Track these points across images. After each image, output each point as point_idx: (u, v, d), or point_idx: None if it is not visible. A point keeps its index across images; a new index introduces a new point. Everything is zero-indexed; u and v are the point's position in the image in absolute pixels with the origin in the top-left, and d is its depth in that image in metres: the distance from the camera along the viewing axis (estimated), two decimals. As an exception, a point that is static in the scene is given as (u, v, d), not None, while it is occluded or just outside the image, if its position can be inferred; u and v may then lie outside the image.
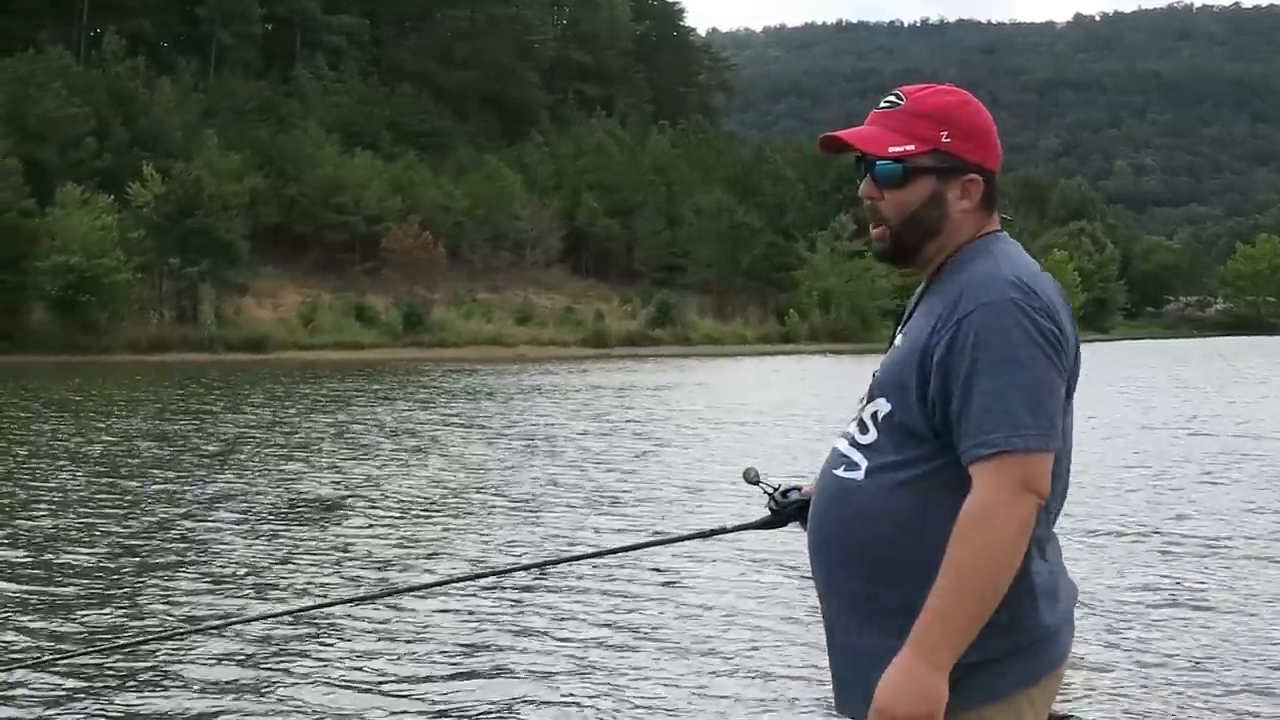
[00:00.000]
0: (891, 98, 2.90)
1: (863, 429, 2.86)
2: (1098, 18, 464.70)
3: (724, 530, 3.33)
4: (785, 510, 3.14)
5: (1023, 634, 2.76)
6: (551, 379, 49.63)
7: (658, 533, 12.99)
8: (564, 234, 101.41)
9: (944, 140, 2.83)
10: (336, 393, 40.04)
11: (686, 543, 9.06)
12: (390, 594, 10.27)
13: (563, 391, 41.19)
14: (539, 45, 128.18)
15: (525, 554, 12.36)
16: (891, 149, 2.83)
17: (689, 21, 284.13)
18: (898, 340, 2.91)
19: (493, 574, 10.39)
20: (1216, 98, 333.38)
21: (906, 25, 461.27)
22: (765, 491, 3.16)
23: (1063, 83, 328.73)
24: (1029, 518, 2.65)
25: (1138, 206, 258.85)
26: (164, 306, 78.42)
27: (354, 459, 21.01)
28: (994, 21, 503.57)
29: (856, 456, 2.85)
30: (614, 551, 6.45)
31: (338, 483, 18.04)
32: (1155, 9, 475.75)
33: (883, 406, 2.83)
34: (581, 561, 10.60)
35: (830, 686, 2.99)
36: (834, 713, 3.13)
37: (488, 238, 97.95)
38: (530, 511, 15.12)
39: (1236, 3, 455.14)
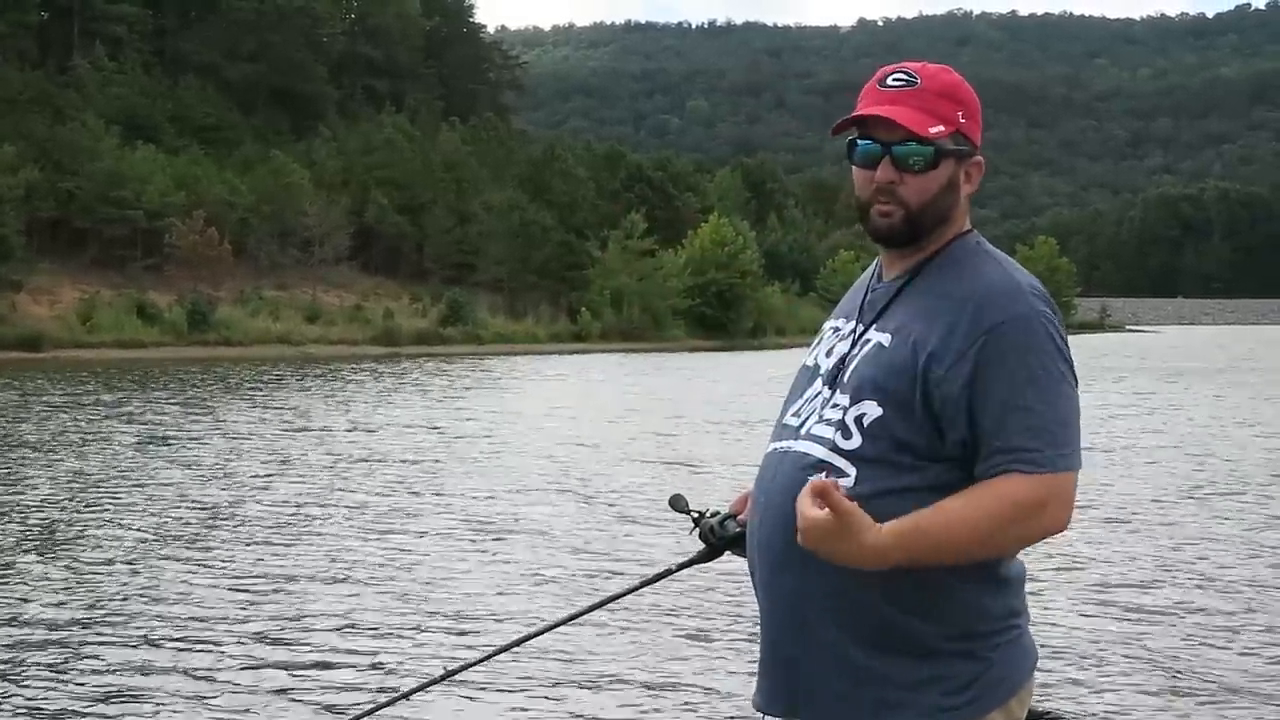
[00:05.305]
0: (902, 76, 2.74)
1: (845, 433, 2.68)
2: (880, 23, 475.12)
3: (669, 572, 3.17)
4: (724, 540, 2.99)
5: (1020, 623, 2.73)
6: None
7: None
8: (353, 231, 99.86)
9: (961, 121, 2.73)
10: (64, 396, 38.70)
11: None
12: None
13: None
14: (327, 39, 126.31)
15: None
16: (930, 130, 2.68)
17: (478, 18, 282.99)
18: (875, 336, 2.74)
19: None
20: (995, 104, 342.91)
21: (694, 26, 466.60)
22: (693, 519, 3.02)
23: (847, 86, 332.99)
24: (1051, 532, 2.59)
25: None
26: (-68, 304, 75.49)
27: None
28: (780, 24, 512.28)
29: (841, 463, 2.66)
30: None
31: None
32: (935, 15, 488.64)
33: (871, 410, 2.66)
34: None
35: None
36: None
37: (275, 234, 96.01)
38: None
39: (1014, 10, 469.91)
